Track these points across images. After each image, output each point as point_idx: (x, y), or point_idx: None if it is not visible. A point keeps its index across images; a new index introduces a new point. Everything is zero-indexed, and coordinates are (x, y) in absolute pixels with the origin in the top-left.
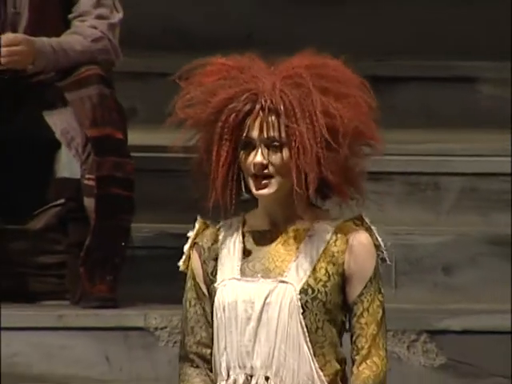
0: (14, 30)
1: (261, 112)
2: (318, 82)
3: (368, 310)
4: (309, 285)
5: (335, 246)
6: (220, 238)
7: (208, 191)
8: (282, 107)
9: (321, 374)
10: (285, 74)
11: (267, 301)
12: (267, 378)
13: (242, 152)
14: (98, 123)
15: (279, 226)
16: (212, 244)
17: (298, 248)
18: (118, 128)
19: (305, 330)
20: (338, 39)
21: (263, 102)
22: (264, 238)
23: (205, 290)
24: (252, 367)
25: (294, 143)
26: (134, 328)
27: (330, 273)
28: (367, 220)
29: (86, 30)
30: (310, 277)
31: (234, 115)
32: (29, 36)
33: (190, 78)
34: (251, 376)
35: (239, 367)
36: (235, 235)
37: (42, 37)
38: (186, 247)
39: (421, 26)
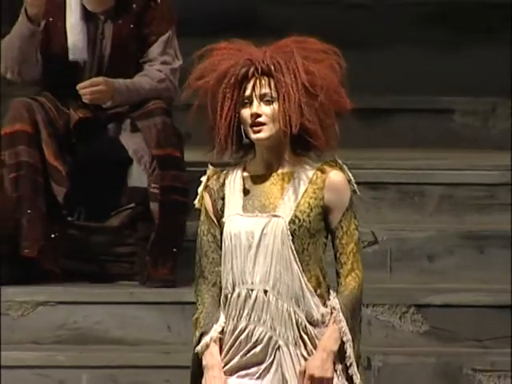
0: (99, 72)
1: (255, 73)
2: (300, 51)
3: (347, 233)
4: (296, 216)
5: (316, 183)
6: (226, 181)
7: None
8: (272, 67)
9: (308, 285)
10: (274, 46)
11: (264, 232)
12: (266, 292)
13: (241, 108)
14: (161, 145)
15: (271, 169)
16: (220, 186)
17: (286, 187)
18: (177, 148)
19: (294, 252)
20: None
21: (257, 65)
22: (260, 179)
23: (216, 222)
24: (252, 283)
25: (281, 93)
26: (189, 302)
27: (313, 205)
28: (340, 161)
29: (153, 73)
30: (295, 210)
31: (233, 77)
32: (110, 78)
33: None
34: (252, 290)
35: (242, 283)
36: (237, 178)
37: (120, 78)
38: (200, 189)
39: (411, 70)
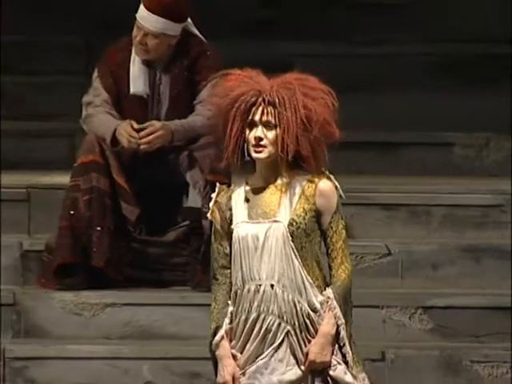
0: (159, 113)
1: (262, 103)
2: (301, 88)
3: (336, 232)
4: (293, 220)
5: (308, 191)
6: (232, 195)
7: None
8: (276, 100)
9: (308, 277)
10: (279, 81)
11: (267, 235)
12: (272, 286)
13: (248, 130)
14: (214, 172)
15: (270, 182)
16: (227, 200)
17: (283, 196)
18: (226, 175)
19: (294, 250)
20: (357, 118)
21: (264, 96)
22: (260, 191)
23: (222, 232)
24: (260, 279)
25: (281, 123)
26: None
27: (307, 210)
28: (327, 172)
29: (204, 112)
30: (292, 214)
31: (243, 104)
32: (170, 117)
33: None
34: (260, 285)
35: (251, 279)
36: (241, 192)
37: (177, 118)
38: (211, 204)
39: (419, 111)
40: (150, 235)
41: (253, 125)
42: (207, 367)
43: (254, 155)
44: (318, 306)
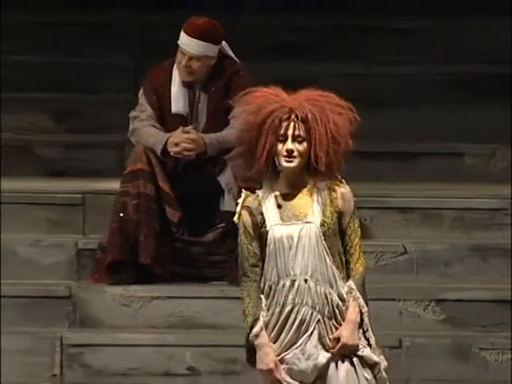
0: (196, 130)
1: (294, 119)
2: (328, 105)
3: (353, 231)
4: (324, 221)
5: (331, 195)
6: (261, 201)
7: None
8: (309, 116)
9: (337, 272)
10: (306, 98)
11: (300, 235)
12: (306, 280)
13: (279, 143)
14: (245, 179)
15: (296, 188)
16: (257, 205)
17: (310, 200)
18: (256, 182)
19: (326, 248)
20: (377, 131)
21: (297, 113)
22: (289, 196)
23: (253, 234)
24: (294, 274)
25: (314, 138)
26: None
27: (333, 212)
28: (342, 179)
29: (237, 126)
30: (322, 216)
31: (277, 120)
32: (207, 131)
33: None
34: (294, 280)
35: (286, 275)
36: (270, 197)
37: (213, 132)
38: (238, 209)
39: (432, 124)
40: (191, 236)
41: (283, 138)
42: (243, 354)
43: (285, 165)
44: (345, 296)
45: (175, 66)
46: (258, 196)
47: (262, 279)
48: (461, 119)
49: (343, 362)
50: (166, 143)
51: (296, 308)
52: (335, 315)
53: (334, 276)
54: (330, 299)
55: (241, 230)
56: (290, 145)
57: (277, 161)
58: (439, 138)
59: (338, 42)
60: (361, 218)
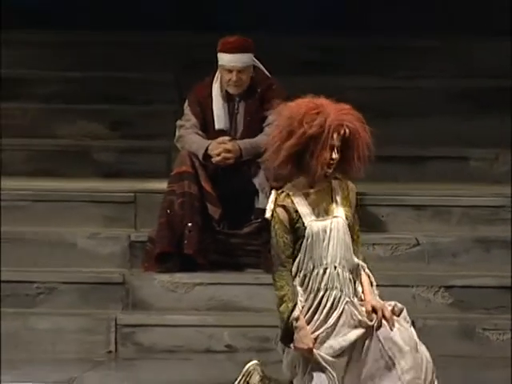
0: (235, 137)
1: (342, 131)
2: (358, 118)
3: (356, 220)
4: (346, 215)
5: (344, 192)
6: (293, 199)
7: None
8: (354, 130)
9: (355, 258)
10: (346, 111)
11: (331, 228)
12: (335, 267)
13: (326, 150)
14: (277, 179)
15: (319, 187)
16: (291, 203)
17: (330, 197)
18: (286, 182)
19: (350, 238)
20: (393, 137)
21: (349, 126)
22: (313, 194)
23: (290, 229)
24: (326, 263)
25: (357, 149)
26: None
27: (348, 206)
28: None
29: (269, 132)
30: (345, 211)
31: (331, 132)
32: (244, 138)
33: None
34: (326, 268)
35: (320, 264)
36: (300, 196)
37: (249, 138)
38: (272, 207)
39: (441, 131)
40: (230, 229)
41: (332, 146)
42: (275, 333)
43: (328, 171)
44: (360, 274)
45: (215, 84)
46: (288, 195)
47: (296, 269)
48: (467, 127)
49: (371, 339)
50: (206, 149)
51: (327, 292)
52: (356, 294)
53: (355, 262)
54: (353, 282)
55: (276, 226)
56: (334, 155)
57: (323, 166)
58: (448, 144)
59: (361, 59)
60: (378, 215)
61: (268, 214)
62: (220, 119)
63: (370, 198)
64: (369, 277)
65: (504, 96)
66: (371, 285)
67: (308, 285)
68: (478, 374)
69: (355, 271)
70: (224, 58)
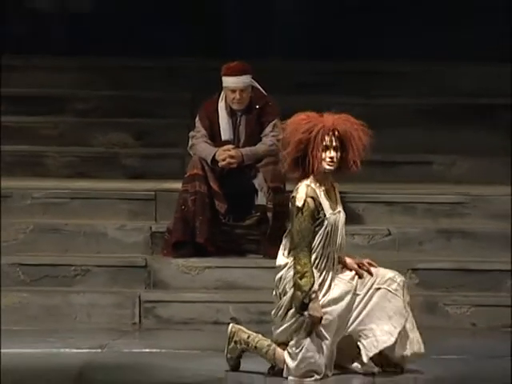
0: (237, 146)
1: (336, 134)
2: (353, 123)
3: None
4: (344, 210)
5: (336, 190)
6: (318, 193)
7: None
8: (347, 132)
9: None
10: (340, 118)
11: (339, 220)
12: (335, 251)
13: (324, 151)
14: (273, 181)
15: (326, 185)
16: (317, 196)
17: (334, 194)
18: (281, 183)
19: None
20: (372, 146)
21: (337, 129)
22: (327, 190)
23: (315, 217)
24: (332, 249)
25: (352, 148)
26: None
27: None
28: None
29: (266, 141)
30: (341, 206)
31: (325, 135)
32: (245, 146)
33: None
34: (329, 252)
35: (328, 249)
36: (321, 191)
37: (249, 146)
38: (304, 198)
39: (410, 140)
40: (234, 221)
41: (326, 147)
42: (271, 306)
43: (328, 167)
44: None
45: (221, 102)
46: (313, 188)
47: (312, 252)
48: (430, 138)
49: (354, 295)
50: (214, 155)
51: (328, 272)
52: (343, 268)
53: (343, 250)
54: (337, 261)
55: (306, 213)
56: (331, 153)
57: (319, 164)
58: (415, 151)
59: (345, 81)
60: (356, 209)
61: (300, 203)
62: (225, 131)
63: (350, 195)
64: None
65: (462, 112)
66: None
67: (317, 265)
68: (441, 341)
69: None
70: (228, 80)
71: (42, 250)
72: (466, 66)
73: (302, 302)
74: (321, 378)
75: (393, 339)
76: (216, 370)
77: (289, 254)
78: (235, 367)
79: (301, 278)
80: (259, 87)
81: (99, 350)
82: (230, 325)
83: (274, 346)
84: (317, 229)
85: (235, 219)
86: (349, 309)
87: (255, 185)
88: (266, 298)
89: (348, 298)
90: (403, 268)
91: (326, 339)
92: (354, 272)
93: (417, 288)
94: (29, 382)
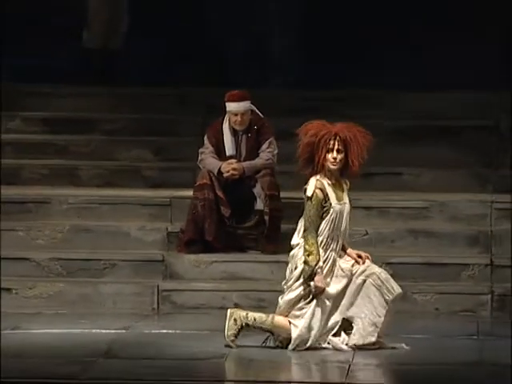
0: (240, 159)
1: (338, 138)
2: (356, 131)
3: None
4: (349, 202)
5: (347, 187)
6: (324, 185)
7: (309, 169)
8: (348, 137)
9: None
10: (344, 126)
11: (343, 209)
12: (338, 236)
13: (328, 153)
14: (269, 189)
15: (335, 180)
16: (324, 188)
17: (341, 189)
18: (276, 191)
19: (349, 217)
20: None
21: (341, 136)
22: (333, 185)
23: (322, 205)
24: (337, 234)
25: (352, 152)
26: (279, 261)
27: (348, 196)
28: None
29: (264, 157)
30: (348, 199)
31: (329, 140)
32: (246, 161)
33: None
34: (334, 236)
35: (335, 234)
36: (327, 185)
37: (249, 161)
38: (313, 188)
39: (384, 155)
40: (237, 223)
41: (330, 149)
42: (268, 294)
43: (332, 167)
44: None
45: (225, 123)
46: (322, 182)
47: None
48: (401, 153)
49: (349, 280)
50: (219, 168)
51: (331, 253)
52: (340, 255)
53: (346, 236)
54: (340, 246)
55: (314, 202)
56: (335, 154)
57: (326, 164)
58: (387, 164)
59: (329, 105)
60: None
61: (310, 193)
62: (229, 148)
63: None
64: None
65: (425, 132)
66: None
67: (324, 246)
68: (410, 323)
69: (344, 238)
70: (231, 106)
71: (77, 247)
72: (430, 93)
73: (310, 274)
74: (314, 348)
75: (375, 334)
76: (221, 347)
77: (301, 235)
78: (233, 345)
79: (308, 256)
80: (257, 111)
81: (124, 331)
82: (228, 309)
83: (272, 315)
84: (324, 215)
85: (237, 221)
86: (343, 292)
87: (254, 193)
88: (263, 287)
89: (344, 281)
90: (378, 262)
91: (324, 313)
92: (351, 263)
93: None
94: (67, 355)
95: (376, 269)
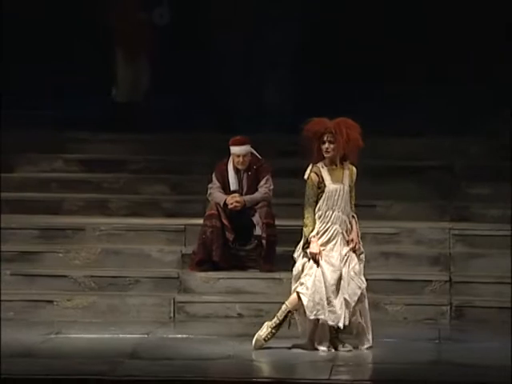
0: (241, 193)
1: (330, 132)
2: (345, 126)
3: (353, 190)
4: (349, 185)
5: (350, 171)
6: (321, 170)
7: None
8: (336, 132)
9: (349, 209)
10: (338, 121)
11: (340, 189)
12: (338, 211)
13: (322, 144)
14: (266, 218)
15: (333, 165)
16: (319, 171)
17: (342, 172)
18: (272, 220)
19: (349, 196)
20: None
21: (333, 130)
22: (330, 170)
23: (316, 186)
24: (335, 209)
25: (338, 143)
26: (276, 278)
27: (350, 180)
28: (354, 164)
29: (262, 191)
30: (349, 181)
31: (324, 133)
32: (247, 195)
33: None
34: (335, 211)
35: (331, 209)
36: (324, 169)
37: (249, 195)
38: (308, 173)
39: (360, 192)
40: (239, 246)
41: (324, 141)
42: (266, 305)
43: (326, 155)
44: (350, 219)
45: (229, 163)
46: (318, 167)
47: (317, 210)
48: (375, 188)
49: (350, 262)
50: (225, 200)
51: (332, 225)
52: (347, 230)
53: (348, 211)
54: (347, 222)
55: (309, 183)
56: (327, 145)
57: (319, 152)
58: (364, 197)
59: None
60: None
61: (306, 176)
62: (233, 184)
63: None
64: (356, 221)
65: (396, 171)
66: (356, 224)
67: (322, 220)
68: (382, 329)
69: (349, 216)
70: (234, 149)
71: (107, 266)
72: (400, 139)
73: (305, 243)
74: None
75: (370, 342)
76: (226, 349)
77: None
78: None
79: (304, 227)
80: (256, 153)
81: (146, 336)
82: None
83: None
84: (321, 195)
85: (240, 245)
86: (336, 272)
87: (254, 221)
88: (261, 300)
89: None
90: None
91: (325, 276)
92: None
93: (366, 292)
94: (98, 356)
95: (358, 281)
